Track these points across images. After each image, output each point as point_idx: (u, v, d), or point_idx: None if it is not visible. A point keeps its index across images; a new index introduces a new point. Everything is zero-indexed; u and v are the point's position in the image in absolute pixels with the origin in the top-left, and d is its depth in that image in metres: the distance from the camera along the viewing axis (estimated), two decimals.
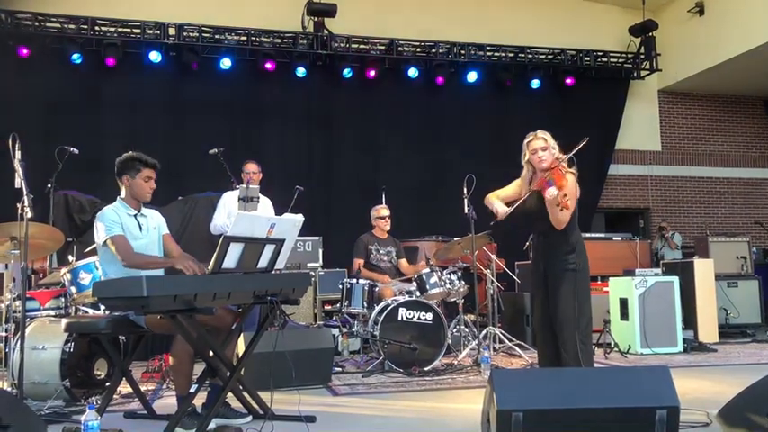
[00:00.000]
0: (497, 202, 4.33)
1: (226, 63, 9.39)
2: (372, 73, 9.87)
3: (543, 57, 10.73)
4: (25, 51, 8.70)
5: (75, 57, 8.85)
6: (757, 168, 12.40)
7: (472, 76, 10.33)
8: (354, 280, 6.26)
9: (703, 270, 7.75)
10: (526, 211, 4.30)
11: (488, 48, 10.48)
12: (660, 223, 10.91)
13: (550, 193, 3.98)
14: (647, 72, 11.30)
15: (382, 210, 6.93)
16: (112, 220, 3.76)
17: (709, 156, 12.22)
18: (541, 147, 4.23)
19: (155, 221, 4.05)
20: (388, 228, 6.88)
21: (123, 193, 3.94)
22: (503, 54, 10.55)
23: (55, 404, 4.32)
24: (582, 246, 4.26)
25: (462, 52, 10.30)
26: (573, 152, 4.19)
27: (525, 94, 10.61)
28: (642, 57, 11.16)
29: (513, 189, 4.44)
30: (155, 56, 9.05)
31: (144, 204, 4.01)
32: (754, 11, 9.75)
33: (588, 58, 10.87)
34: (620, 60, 11.20)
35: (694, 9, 10.80)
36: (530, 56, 10.61)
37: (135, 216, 3.91)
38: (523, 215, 4.31)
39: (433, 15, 10.52)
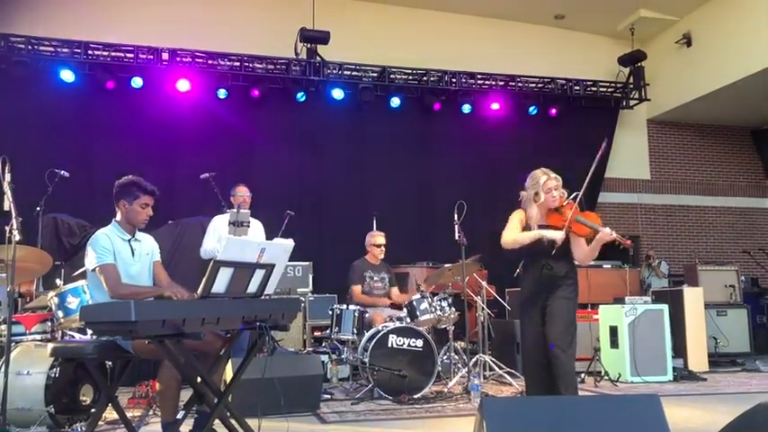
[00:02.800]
0: (546, 232, 4.43)
1: (222, 89, 9.40)
2: (367, 101, 9.91)
3: (533, 85, 10.84)
4: (17, 74, 8.69)
5: (68, 77, 8.83)
6: (745, 197, 12.51)
7: (468, 102, 10.43)
8: (345, 306, 6.25)
9: (693, 298, 7.77)
10: (546, 245, 4.41)
11: (479, 76, 10.59)
12: (647, 251, 10.93)
13: (605, 233, 4.33)
14: (636, 101, 11.43)
15: (378, 237, 6.91)
16: (104, 247, 3.73)
17: (698, 185, 12.33)
18: (555, 186, 4.47)
19: (148, 247, 4.03)
20: (382, 256, 6.88)
21: (119, 217, 3.92)
22: (493, 82, 10.66)
23: (39, 431, 4.25)
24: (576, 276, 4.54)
25: (453, 80, 10.39)
26: (598, 155, 4.47)
27: (516, 122, 10.69)
28: (631, 86, 11.30)
29: (518, 226, 4.53)
30: (138, 81, 9.07)
31: (138, 228, 3.99)
32: (741, 43, 9.91)
33: (578, 88, 10.99)
34: (610, 90, 11.33)
35: (682, 40, 10.98)
36: (520, 84, 10.73)
37: (129, 241, 3.89)
38: (547, 247, 4.43)
39: (425, 43, 10.64)
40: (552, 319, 4.34)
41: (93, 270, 3.71)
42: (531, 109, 10.70)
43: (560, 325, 4.30)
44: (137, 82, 9.08)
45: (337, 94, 9.81)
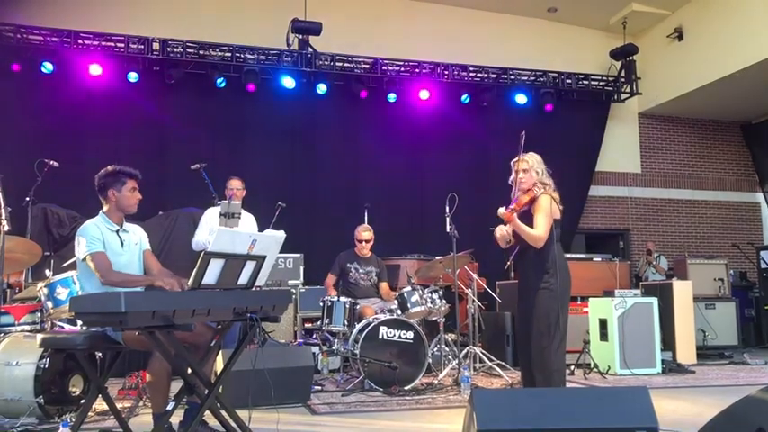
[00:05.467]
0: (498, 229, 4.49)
1: (216, 77, 9.33)
2: (359, 92, 9.89)
3: (525, 78, 10.84)
4: (5, 62, 8.62)
5: (48, 66, 8.75)
6: (734, 192, 12.57)
7: (461, 94, 10.41)
8: (335, 298, 6.25)
9: (682, 292, 7.82)
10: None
11: (471, 68, 10.58)
12: (647, 246, 10.85)
13: (499, 210, 4.23)
14: (628, 95, 11.46)
15: (363, 232, 6.89)
16: (94, 235, 3.71)
17: (688, 178, 12.38)
18: (523, 168, 4.39)
19: (137, 237, 4.01)
20: (366, 252, 6.86)
21: (106, 208, 3.89)
22: (485, 75, 10.65)
23: (28, 421, 4.24)
24: (560, 266, 4.27)
25: (445, 72, 10.38)
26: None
27: (507, 115, 10.69)
28: (623, 80, 11.33)
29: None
30: (132, 75, 9.03)
31: (126, 219, 3.97)
32: (732, 37, 9.94)
33: (570, 81, 11.00)
34: (601, 83, 11.35)
35: (673, 34, 11.00)
36: (512, 77, 10.73)
37: (117, 232, 3.87)
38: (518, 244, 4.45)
39: (417, 35, 10.62)
40: (526, 310, 4.31)
41: (84, 259, 3.69)
42: (524, 102, 10.69)
43: (527, 316, 4.27)
44: (127, 72, 9.02)
45: (322, 88, 9.79)
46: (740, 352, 8.29)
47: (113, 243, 3.81)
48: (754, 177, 12.73)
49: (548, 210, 4.27)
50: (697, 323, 8.06)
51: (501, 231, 4.44)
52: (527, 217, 4.31)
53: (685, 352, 7.58)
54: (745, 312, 9.84)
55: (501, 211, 4.24)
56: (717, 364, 7.73)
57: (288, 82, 9.62)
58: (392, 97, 10.15)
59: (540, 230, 4.25)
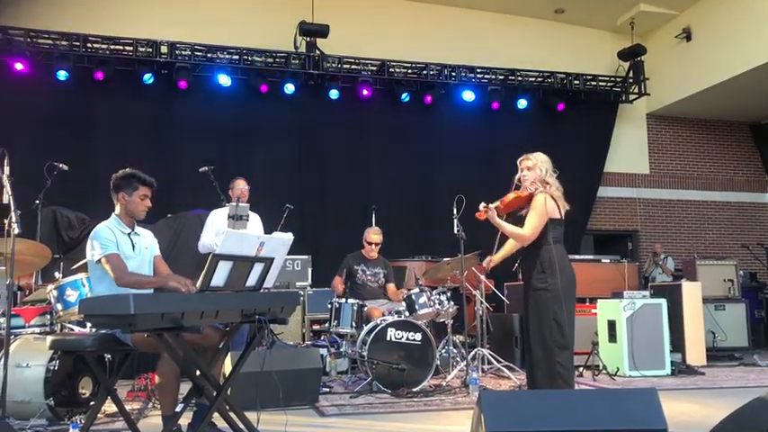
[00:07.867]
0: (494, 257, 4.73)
1: (224, 80, 9.36)
2: (366, 93, 9.88)
3: (533, 79, 10.83)
4: (17, 66, 8.68)
5: (62, 74, 8.80)
6: (743, 192, 12.51)
7: (469, 96, 10.39)
8: (343, 300, 6.25)
9: (691, 293, 7.78)
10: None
11: (479, 70, 10.57)
12: (654, 247, 10.80)
13: (480, 205, 4.38)
14: (636, 96, 11.43)
15: (373, 235, 6.87)
16: (108, 238, 3.73)
17: (697, 179, 12.33)
18: (527, 167, 4.44)
19: (147, 241, 4.03)
20: (374, 255, 6.85)
21: (118, 210, 3.92)
22: (493, 76, 10.64)
23: (38, 423, 4.26)
24: (560, 266, 4.21)
25: (453, 74, 10.38)
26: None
27: (515, 117, 10.68)
28: (631, 81, 11.30)
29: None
30: (146, 76, 9.07)
31: (137, 223, 3.99)
32: (740, 38, 9.90)
33: (578, 82, 10.98)
34: (609, 84, 11.32)
35: (682, 35, 10.97)
36: (520, 78, 10.71)
37: (129, 235, 3.89)
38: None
39: (424, 37, 10.62)
40: (525, 310, 4.34)
41: (98, 261, 3.71)
42: (522, 102, 10.66)
43: (526, 316, 4.30)
44: (136, 75, 9.06)
45: (334, 93, 9.83)
46: (750, 353, 8.23)
47: (125, 246, 3.83)
48: (764, 177, 12.67)
49: (541, 209, 4.24)
50: (707, 324, 8.02)
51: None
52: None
53: (695, 353, 7.54)
54: (755, 313, 9.79)
55: (480, 207, 4.37)
56: (727, 365, 7.68)
57: (295, 85, 9.63)
58: (405, 97, 10.14)
59: (525, 229, 4.27)
